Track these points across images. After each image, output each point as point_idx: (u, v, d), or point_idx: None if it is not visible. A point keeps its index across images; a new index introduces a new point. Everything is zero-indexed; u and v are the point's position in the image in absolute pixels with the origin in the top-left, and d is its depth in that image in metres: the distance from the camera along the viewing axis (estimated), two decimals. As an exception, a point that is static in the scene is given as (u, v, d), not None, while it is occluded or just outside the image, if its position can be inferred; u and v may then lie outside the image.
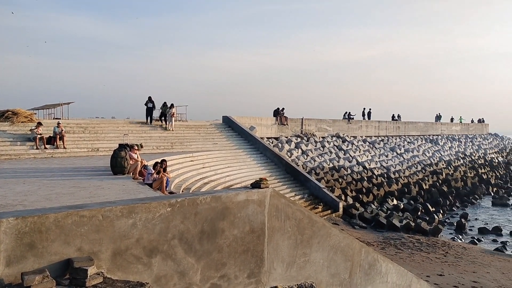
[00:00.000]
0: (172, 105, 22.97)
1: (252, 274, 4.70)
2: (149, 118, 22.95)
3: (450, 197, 27.80)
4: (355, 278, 5.66)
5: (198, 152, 20.52)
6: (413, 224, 19.34)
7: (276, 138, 28.55)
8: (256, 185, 5.01)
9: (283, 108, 29.97)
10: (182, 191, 13.32)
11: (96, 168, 12.88)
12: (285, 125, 29.74)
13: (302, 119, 31.28)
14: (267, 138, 27.63)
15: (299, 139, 29.13)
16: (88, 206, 4.03)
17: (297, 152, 26.89)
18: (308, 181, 21.81)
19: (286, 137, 28.98)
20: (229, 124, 26.74)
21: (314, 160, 26.54)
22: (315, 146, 29.09)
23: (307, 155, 26.96)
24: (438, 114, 48.41)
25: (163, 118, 23.23)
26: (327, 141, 30.63)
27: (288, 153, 26.11)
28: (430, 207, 24.09)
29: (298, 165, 24.34)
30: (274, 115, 29.81)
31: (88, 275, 3.68)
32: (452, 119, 52.44)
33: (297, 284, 5.01)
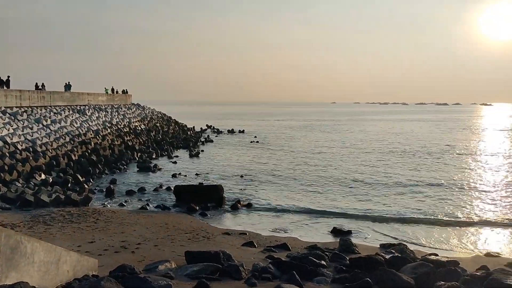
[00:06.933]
0: None
1: None
2: None
3: (100, 165, 28.81)
4: (-7, 268, 4.98)
5: None
6: (63, 197, 18.95)
7: None
8: None
9: None
10: None
11: None
12: None
13: None
14: None
15: None
16: None
17: None
18: None
19: None
20: None
21: None
22: None
23: None
24: (67, 83, 45.54)
25: None
26: (-48, 113, 25.15)
27: None
28: (80, 177, 24.19)
29: None
30: None
31: None
32: (113, 90, 56.28)
33: None
